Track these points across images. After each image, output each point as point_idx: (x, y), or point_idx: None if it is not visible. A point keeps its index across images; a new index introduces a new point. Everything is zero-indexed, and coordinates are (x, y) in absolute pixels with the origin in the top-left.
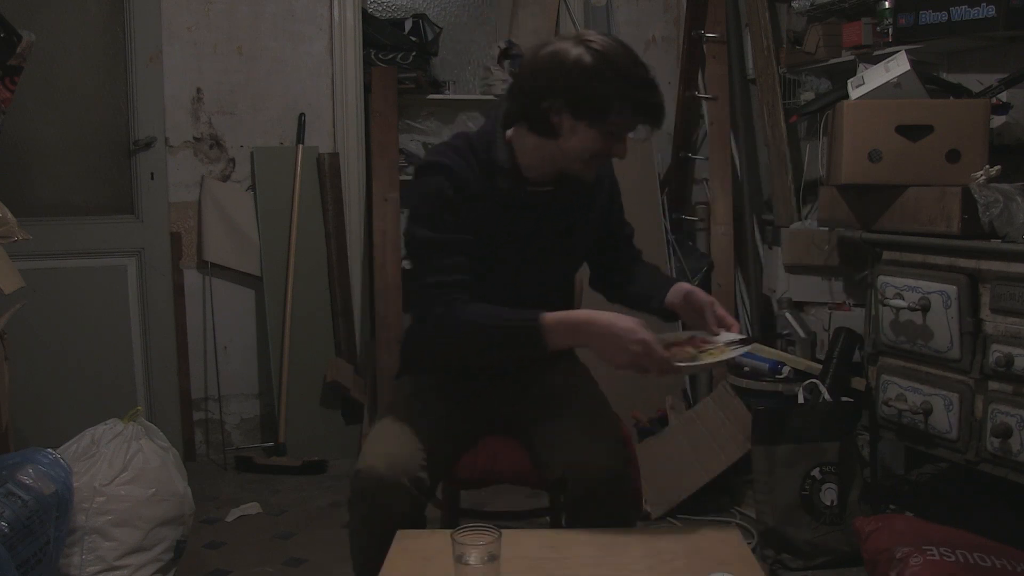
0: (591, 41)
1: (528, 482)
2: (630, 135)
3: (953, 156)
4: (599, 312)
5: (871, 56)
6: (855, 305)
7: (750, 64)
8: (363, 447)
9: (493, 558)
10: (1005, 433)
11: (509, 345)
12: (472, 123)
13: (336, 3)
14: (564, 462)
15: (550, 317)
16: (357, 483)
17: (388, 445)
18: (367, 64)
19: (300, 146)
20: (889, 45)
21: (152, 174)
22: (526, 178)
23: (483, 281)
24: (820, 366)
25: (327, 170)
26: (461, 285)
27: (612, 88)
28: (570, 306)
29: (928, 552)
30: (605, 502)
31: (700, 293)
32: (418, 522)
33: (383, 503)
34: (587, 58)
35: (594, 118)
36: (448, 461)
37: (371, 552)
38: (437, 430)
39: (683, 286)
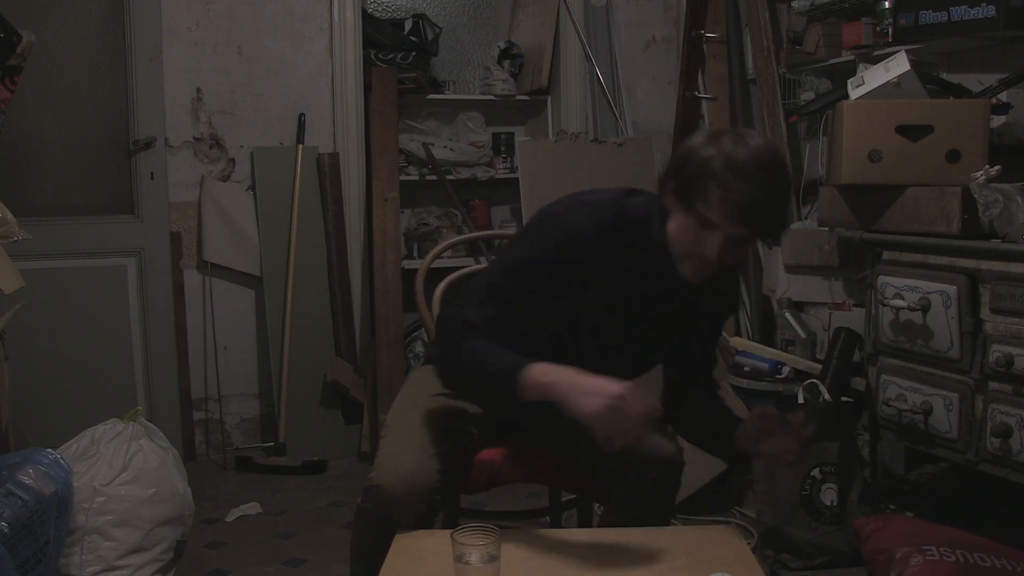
0: (730, 135)
1: (550, 481)
2: (734, 238)
3: (953, 156)
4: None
5: (871, 56)
6: (855, 305)
7: (750, 64)
8: (380, 454)
9: (493, 558)
10: (1005, 433)
11: (490, 388)
12: (471, 123)
13: (336, 3)
14: (636, 457)
15: (536, 367)
16: (371, 499)
17: (407, 462)
18: (367, 64)
19: (300, 146)
20: (889, 45)
21: (152, 174)
22: (667, 256)
23: (567, 348)
24: (820, 366)
25: (327, 170)
26: (488, 329)
27: (710, 173)
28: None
29: (928, 552)
30: (662, 488)
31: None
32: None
33: (395, 520)
34: (709, 144)
35: (688, 202)
36: (464, 468)
37: (372, 558)
38: (458, 439)
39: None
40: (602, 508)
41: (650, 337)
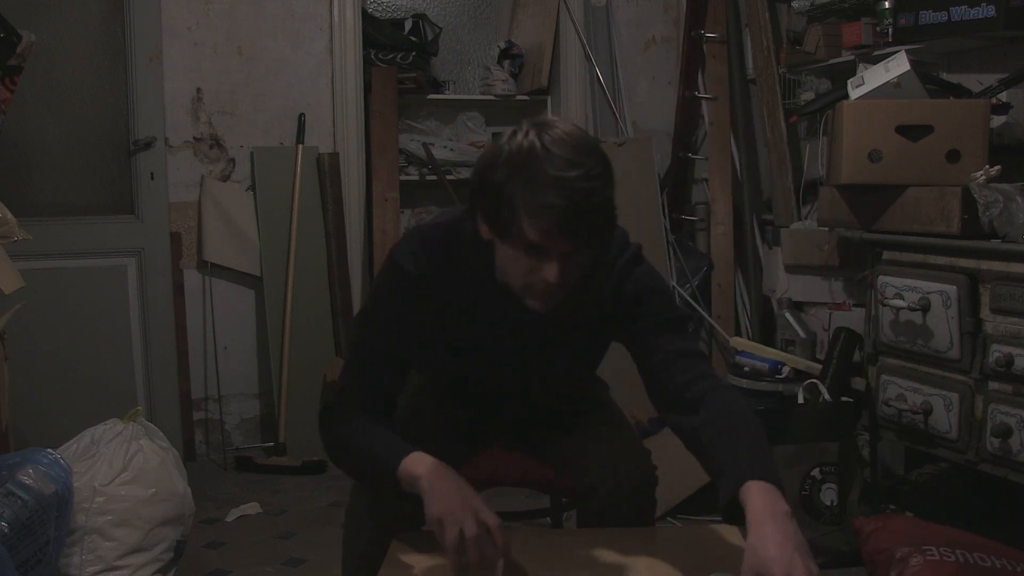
0: (519, 132)
1: (545, 488)
2: (567, 254)
3: (953, 156)
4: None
5: (871, 56)
6: (855, 305)
7: (750, 64)
8: None
9: (494, 559)
10: (1005, 433)
11: (373, 475)
12: (471, 123)
13: (336, 3)
14: (599, 468)
15: (410, 461)
16: (358, 498)
17: None
18: (367, 64)
19: (300, 146)
20: (889, 45)
21: (152, 174)
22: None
23: (468, 382)
24: (820, 366)
25: (327, 170)
26: (366, 393)
27: (505, 190)
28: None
29: (928, 552)
30: (633, 506)
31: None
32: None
33: (384, 518)
34: (499, 154)
35: (500, 231)
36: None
37: (365, 559)
38: (445, 440)
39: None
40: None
41: (546, 355)
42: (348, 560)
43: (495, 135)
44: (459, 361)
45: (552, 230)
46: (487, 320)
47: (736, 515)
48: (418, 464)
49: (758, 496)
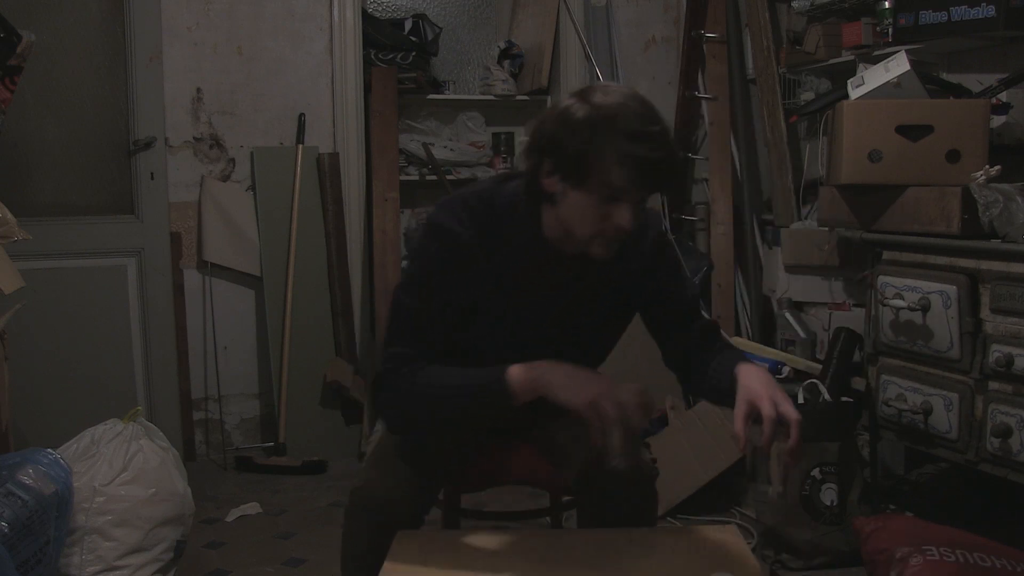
0: (592, 93)
1: (541, 483)
2: (640, 200)
3: (953, 156)
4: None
5: (871, 56)
6: (855, 305)
7: (750, 64)
8: (367, 456)
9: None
10: (1005, 433)
11: (477, 406)
12: (471, 123)
13: (336, 3)
14: (591, 458)
15: (516, 369)
16: (359, 500)
17: (393, 463)
18: (367, 64)
19: (300, 146)
20: (889, 45)
21: (152, 174)
22: (549, 246)
23: (499, 351)
24: (820, 366)
25: (327, 170)
26: (425, 355)
27: (595, 142)
28: None
29: (928, 552)
30: (634, 499)
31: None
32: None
33: (384, 521)
34: (578, 111)
35: (584, 181)
36: (453, 470)
37: (364, 560)
38: (447, 441)
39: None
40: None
41: (578, 321)
42: (347, 560)
43: (494, 132)
44: (494, 324)
45: (639, 179)
46: (526, 280)
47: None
48: (530, 368)
49: (748, 367)
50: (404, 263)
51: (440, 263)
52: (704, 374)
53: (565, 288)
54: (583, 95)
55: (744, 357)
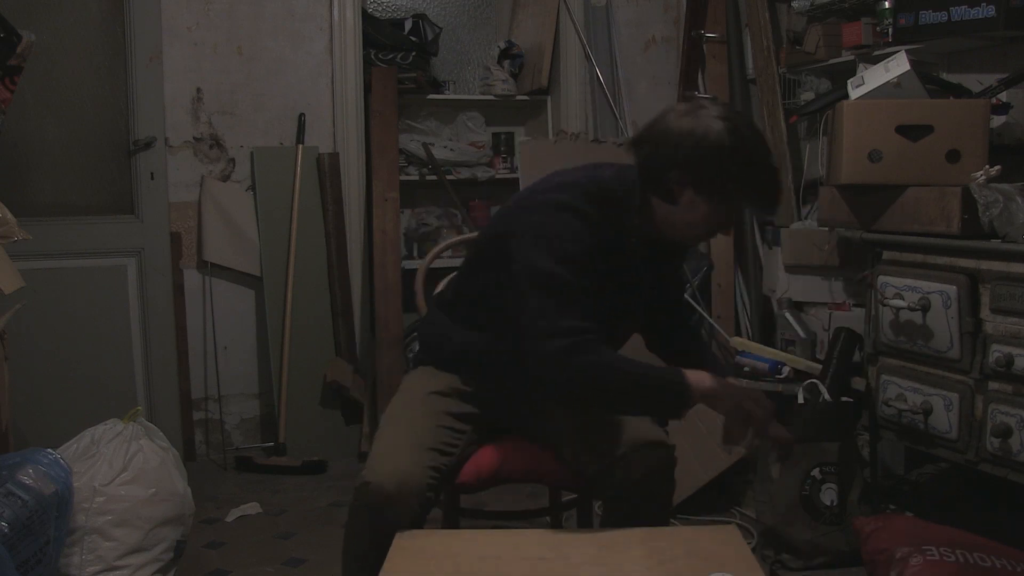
0: (729, 119)
1: (547, 480)
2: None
3: (953, 156)
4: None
5: (871, 56)
6: (855, 305)
7: (750, 64)
8: (372, 454)
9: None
10: (1005, 433)
11: (656, 398)
12: (471, 123)
13: (336, 3)
14: (623, 444)
15: (692, 375)
16: (363, 497)
17: (399, 460)
18: (367, 64)
19: (300, 146)
20: (889, 45)
21: (152, 174)
22: (651, 233)
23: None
24: (820, 366)
25: (327, 170)
26: (595, 331)
27: (742, 173)
28: None
29: (928, 552)
30: (654, 485)
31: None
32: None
33: (387, 519)
34: (725, 138)
35: (719, 198)
36: (457, 467)
37: (366, 559)
38: (450, 438)
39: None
40: (601, 509)
41: (640, 301)
42: (348, 559)
43: (495, 132)
44: (595, 301)
45: (767, 206)
46: (623, 261)
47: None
48: (703, 376)
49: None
50: (521, 239)
51: (580, 240)
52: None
53: (647, 271)
54: (724, 117)
55: (711, 362)
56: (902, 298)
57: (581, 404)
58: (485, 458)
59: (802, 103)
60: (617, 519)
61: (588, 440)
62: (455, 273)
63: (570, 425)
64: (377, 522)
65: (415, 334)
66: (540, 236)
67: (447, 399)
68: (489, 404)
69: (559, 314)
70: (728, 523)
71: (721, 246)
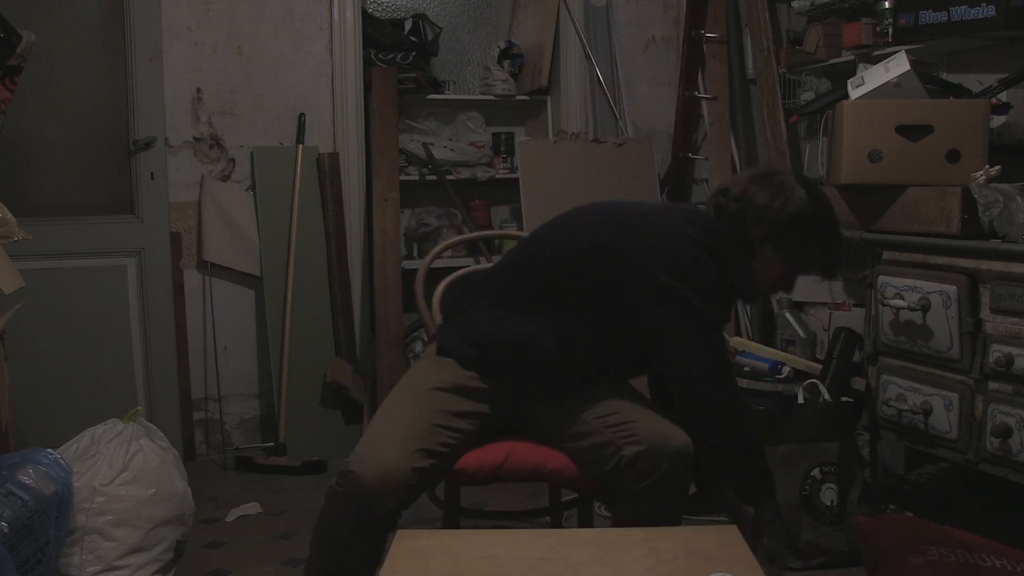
0: (813, 188)
1: (554, 478)
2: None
3: (953, 156)
4: None
5: (871, 56)
6: (855, 305)
7: (750, 64)
8: (362, 441)
9: None
10: (1005, 433)
11: (751, 472)
12: (471, 123)
13: (336, 3)
14: (648, 434)
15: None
16: (344, 483)
17: (385, 454)
18: (367, 64)
19: (300, 146)
20: (889, 45)
21: (152, 174)
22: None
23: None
24: (820, 366)
25: (327, 170)
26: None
27: (820, 241)
28: None
29: (928, 552)
30: (675, 481)
31: None
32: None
33: (364, 509)
34: (810, 206)
35: (794, 260)
36: (446, 469)
37: (336, 542)
38: (445, 438)
39: None
40: (611, 508)
41: None
42: (319, 538)
43: (495, 132)
44: None
45: (834, 269)
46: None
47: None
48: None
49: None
50: (685, 294)
51: (719, 285)
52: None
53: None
54: (807, 185)
55: None
56: (902, 298)
57: (711, 438)
58: (491, 452)
59: (802, 103)
60: (632, 517)
61: (605, 437)
62: (498, 268)
63: (586, 421)
64: (352, 509)
65: (415, 334)
66: (693, 279)
67: (450, 396)
68: (505, 402)
69: (726, 374)
70: (728, 523)
71: None
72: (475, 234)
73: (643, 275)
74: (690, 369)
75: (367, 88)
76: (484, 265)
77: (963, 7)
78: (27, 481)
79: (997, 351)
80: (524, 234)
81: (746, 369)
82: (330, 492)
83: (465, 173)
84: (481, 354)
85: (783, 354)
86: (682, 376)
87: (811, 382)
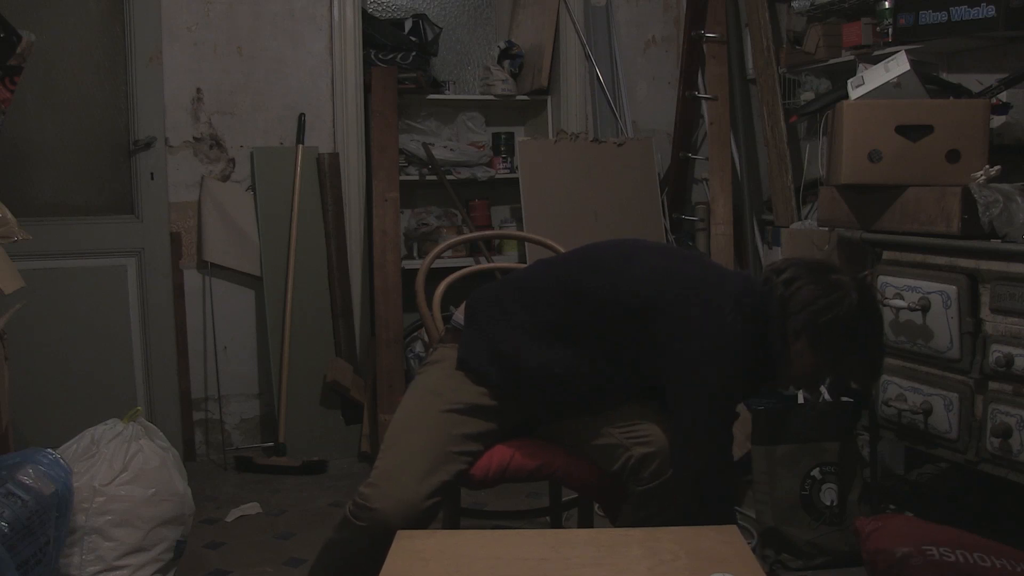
0: (867, 296)
1: (567, 479)
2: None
3: (953, 156)
4: None
5: (871, 56)
6: None
7: (750, 64)
8: (379, 470)
9: None
10: (1005, 433)
11: (716, 510)
12: (471, 123)
13: (336, 3)
14: (657, 436)
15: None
16: (363, 516)
17: (405, 487)
18: (367, 64)
19: (300, 146)
20: (889, 45)
21: (152, 174)
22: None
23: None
24: None
25: (327, 170)
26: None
27: (856, 352)
28: None
29: (928, 552)
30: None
31: None
32: None
33: (382, 542)
34: (856, 315)
35: (826, 362)
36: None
37: (348, 567)
38: (460, 463)
39: None
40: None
41: None
42: (330, 563)
43: (495, 132)
44: None
45: (871, 379)
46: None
47: None
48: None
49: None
50: (707, 368)
51: (743, 360)
52: None
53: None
54: (862, 291)
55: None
56: (902, 298)
57: (679, 486)
58: (496, 455)
59: (802, 103)
60: (640, 518)
61: (615, 438)
62: (535, 280)
63: (596, 423)
64: (367, 538)
65: (415, 334)
66: (716, 350)
67: (465, 419)
68: (516, 415)
69: (723, 434)
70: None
71: (721, 245)
72: (475, 234)
73: (682, 345)
74: (691, 436)
75: (367, 88)
76: (510, 264)
77: (963, 7)
78: (27, 481)
79: (997, 351)
80: (539, 238)
81: None
82: (345, 521)
83: (465, 173)
84: (511, 376)
85: None
86: (682, 435)
87: None
